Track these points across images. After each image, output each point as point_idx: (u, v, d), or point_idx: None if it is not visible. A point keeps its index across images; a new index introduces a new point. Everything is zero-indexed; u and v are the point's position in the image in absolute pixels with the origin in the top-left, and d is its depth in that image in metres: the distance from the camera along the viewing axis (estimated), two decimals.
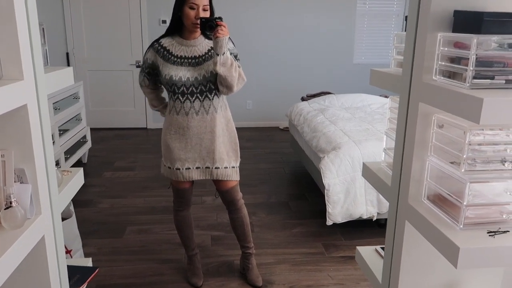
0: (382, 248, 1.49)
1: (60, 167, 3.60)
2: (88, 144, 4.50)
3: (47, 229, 1.05)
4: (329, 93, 5.07)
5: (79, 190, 1.21)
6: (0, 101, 0.85)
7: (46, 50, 1.17)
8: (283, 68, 6.02)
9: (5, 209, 0.92)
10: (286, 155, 4.86)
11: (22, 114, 0.95)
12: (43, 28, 1.16)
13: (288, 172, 4.34)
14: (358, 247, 1.53)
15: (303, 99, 5.01)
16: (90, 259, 1.44)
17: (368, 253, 1.50)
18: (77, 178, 1.31)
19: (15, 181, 0.97)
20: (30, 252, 1.02)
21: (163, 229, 3.11)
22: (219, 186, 2.30)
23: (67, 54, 5.69)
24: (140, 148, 5.11)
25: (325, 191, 2.83)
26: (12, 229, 0.93)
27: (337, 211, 2.84)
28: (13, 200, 0.93)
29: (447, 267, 1.19)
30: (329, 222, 2.86)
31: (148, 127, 6.05)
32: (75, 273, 1.32)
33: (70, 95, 4.05)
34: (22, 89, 0.93)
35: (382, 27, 6.06)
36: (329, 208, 2.83)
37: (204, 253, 2.78)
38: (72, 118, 4.08)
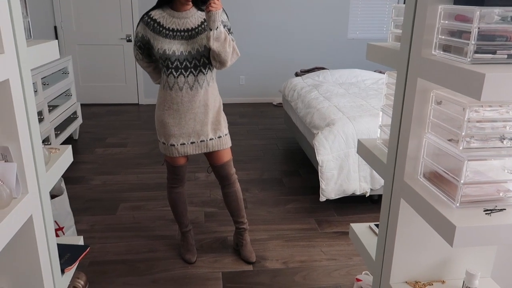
0: (376, 225, 1.48)
1: (50, 144, 3.55)
2: (79, 120, 4.43)
3: (35, 209, 1.02)
4: (323, 68, 5.01)
5: (70, 167, 1.18)
6: None
7: (28, 22, 1.11)
8: (276, 43, 5.92)
9: None
10: (279, 131, 4.83)
11: (4, 89, 0.91)
12: None
13: (281, 148, 4.32)
14: (352, 224, 1.53)
15: (297, 75, 4.95)
16: (82, 237, 1.42)
17: (362, 230, 1.50)
18: (66, 156, 1.27)
19: None
20: (18, 232, 0.99)
21: (157, 206, 3.10)
22: (213, 160, 2.28)
23: (55, 27, 5.53)
24: (132, 124, 5.05)
25: (319, 167, 2.82)
26: None
27: (331, 187, 2.84)
28: None
29: (440, 244, 1.19)
30: (322, 198, 2.86)
31: (140, 103, 5.97)
32: (66, 252, 1.30)
33: (59, 70, 3.96)
34: (3, 63, 0.89)
35: (377, 1, 5.94)
36: (322, 184, 2.83)
37: (197, 229, 2.78)
38: (61, 93, 4.00)
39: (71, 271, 1.23)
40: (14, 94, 0.93)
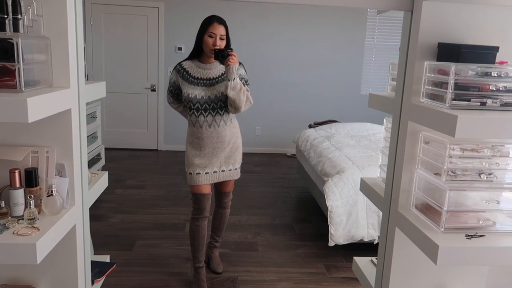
0: (377, 259, 1.60)
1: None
2: (102, 162, 4.66)
3: (78, 220, 1.19)
4: (335, 121, 5.23)
5: (91, 205, 1.31)
6: (50, 104, 1.01)
7: (85, 66, 1.34)
8: (292, 97, 6.23)
9: (47, 196, 1.07)
10: (292, 181, 4.98)
11: (66, 117, 1.11)
12: (84, 47, 1.35)
13: (293, 196, 4.45)
14: (355, 258, 1.65)
15: (310, 127, 5.17)
16: (108, 256, 1.57)
17: (364, 263, 1.62)
18: (103, 180, 1.46)
19: (55, 174, 1.13)
20: (63, 238, 1.16)
21: (171, 245, 3.22)
22: (220, 187, 2.65)
23: (86, 75, 5.94)
24: (151, 168, 5.27)
25: (328, 212, 2.94)
26: (51, 215, 1.08)
27: (339, 232, 2.94)
28: (54, 189, 1.08)
29: (433, 272, 1.31)
30: (331, 243, 2.96)
31: (159, 149, 6.23)
32: (95, 267, 1.45)
33: (88, 114, 4.26)
34: (68, 95, 1.10)
35: (389, 60, 6.26)
36: (331, 229, 2.93)
37: (209, 268, 2.88)
38: (89, 136, 4.27)
39: (99, 282, 1.37)
40: (73, 121, 1.14)
